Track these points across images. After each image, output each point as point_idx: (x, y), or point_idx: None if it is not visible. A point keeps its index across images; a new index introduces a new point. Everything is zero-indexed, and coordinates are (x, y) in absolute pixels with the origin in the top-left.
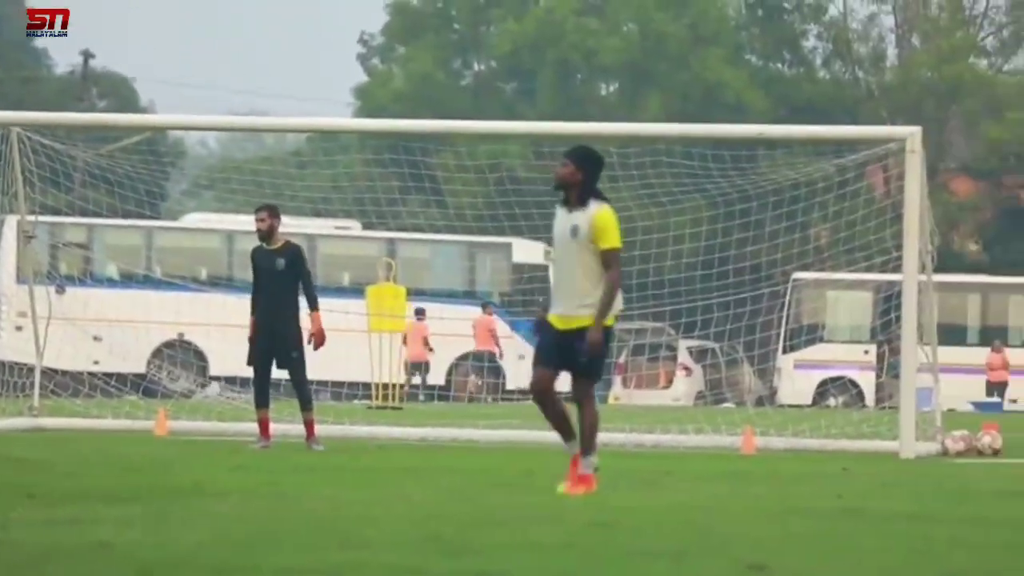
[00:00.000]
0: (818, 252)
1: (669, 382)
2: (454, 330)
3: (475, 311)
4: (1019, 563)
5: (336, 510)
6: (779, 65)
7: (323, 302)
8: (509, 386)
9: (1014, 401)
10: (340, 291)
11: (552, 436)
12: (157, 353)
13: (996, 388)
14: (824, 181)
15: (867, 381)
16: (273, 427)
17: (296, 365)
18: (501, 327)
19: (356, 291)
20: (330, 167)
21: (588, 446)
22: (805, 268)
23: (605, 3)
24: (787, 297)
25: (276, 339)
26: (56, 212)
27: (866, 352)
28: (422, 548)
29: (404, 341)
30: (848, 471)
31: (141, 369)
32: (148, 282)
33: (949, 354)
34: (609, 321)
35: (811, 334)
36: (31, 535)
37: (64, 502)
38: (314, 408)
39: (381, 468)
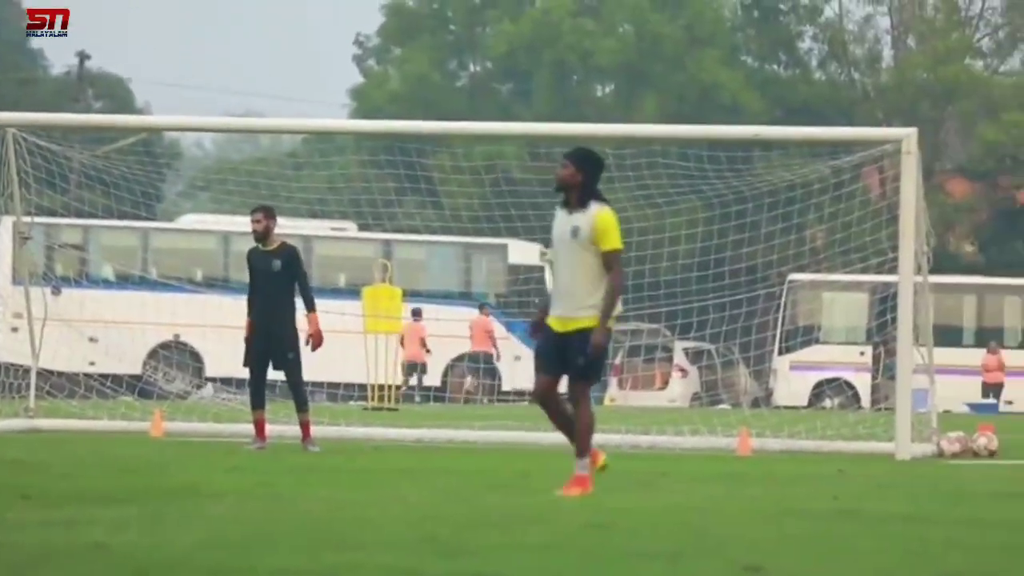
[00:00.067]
0: (814, 253)
1: (665, 383)
2: (450, 331)
3: (471, 312)
4: (1015, 564)
5: (332, 511)
6: (775, 66)
7: (319, 303)
8: (505, 387)
9: (1010, 402)
10: (336, 292)
11: (548, 437)
12: (153, 354)
13: (992, 389)
14: (820, 182)
15: (863, 382)
16: (269, 428)
17: (292, 366)
18: (497, 328)
19: (352, 292)
20: (326, 168)
21: (582, 448)
22: (801, 269)
23: (601, 4)
24: (783, 298)
25: (272, 340)
26: (52, 213)
27: (862, 353)
28: (418, 549)
29: (401, 342)
30: (844, 473)
31: (137, 370)
32: (144, 283)
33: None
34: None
35: (807, 335)
36: (27, 536)
37: (60, 503)
38: (310, 409)
39: (377, 469)
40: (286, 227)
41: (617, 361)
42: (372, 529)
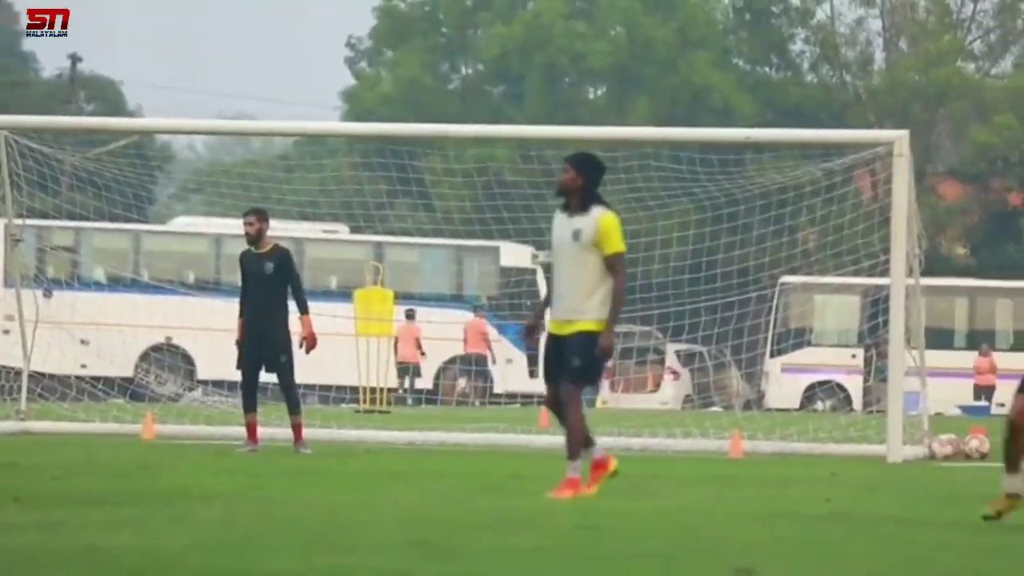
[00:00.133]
0: (806, 256)
1: (657, 386)
2: (442, 334)
3: (463, 315)
4: (1006, 567)
5: (323, 514)
6: (767, 69)
7: (310, 306)
8: (497, 390)
9: (1001, 405)
10: (328, 295)
11: (539, 440)
12: (144, 357)
13: (983, 392)
14: (812, 185)
15: (855, 385)
16: (261, 431)
17: (284, 369)
18: (490, 331)
19: (344, 295)
20: (318, 171)
21: (572, 451)
22: (793, 272)
23: (593, 7)
24: (775, 301)
25: (264, 343)
26: (44, 216)
27: (854, 356)
28: (409, 552)
29: (395, 344)
30: (836, 475)
31: (128, 373)
32: (136, 286)
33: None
34: (601, 327)
35: (799, 338)
36: (18, 539)
37: (51, 506)
38: (302, 412)
39: (368, 472)
40: (278, 230)
41: (609, 364)
42: (364, 532)
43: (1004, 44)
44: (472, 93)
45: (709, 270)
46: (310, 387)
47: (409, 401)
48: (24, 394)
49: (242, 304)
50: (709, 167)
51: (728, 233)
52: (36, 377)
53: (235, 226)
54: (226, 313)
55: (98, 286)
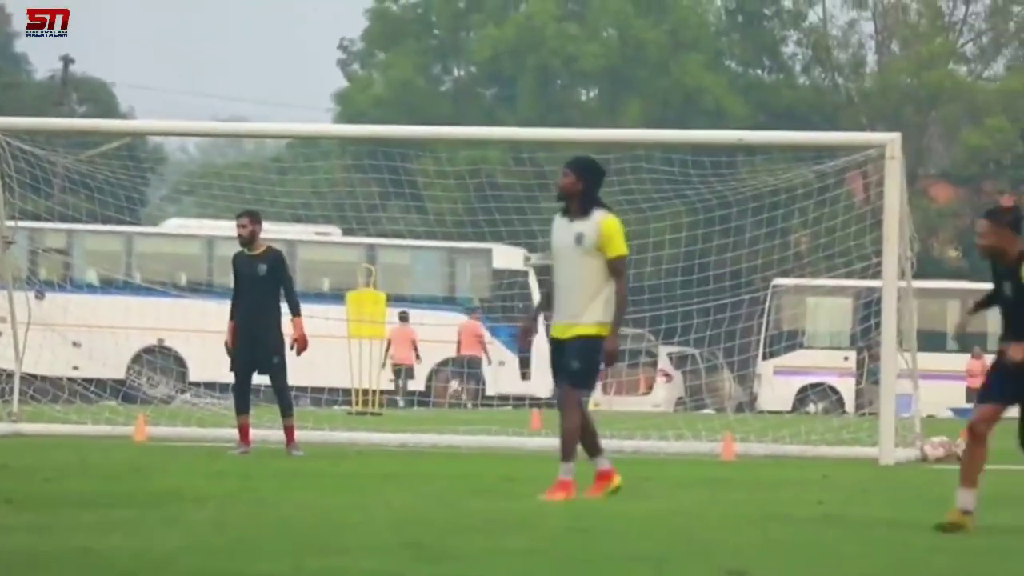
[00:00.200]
0: (798, 258)
1: (649, 388)
2: (434, 336)
3: (455, 317)
4: (998, 569)
5: (315, 516)
6: (759, 71)
7: (303, 308)
8: (489, 392)
9: None
10: (320, 297)
11: (531, 442)
12: (137, 359)
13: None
14: (804, 187)
15: (847, 387)
16: (253, 433)
17: (277, 371)
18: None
19: (336, 297)
20: (310, 173)
21: (565, 453)
22: (785, 274)
23: (585, 9)
24: (767, 303)
25: (257, 345)
26: (36, 217)
27: (846, 358)
28: (401, 554)
29: (388, 346)
30: (828, 477)
31: (121, 375)
32: (128, 288)
33: (929, 360)
34: (601, 330)
35: (791, 340)
36: (10, 541)
37: (43, 508)
38: (294, 414)
39: (361, 474)
40: (270, 232)
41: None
42: (356, 534)
43: (996, 47)
44: (464, 95)
45: (701, 272)
46: (302, 389)
47: (401, 403)
48: (16, 396)
49: (233, 306)
50: (701, 169)
51: (720, 235)
52: (28, 379)
53: (227, 228)
54: (218, 315)
55: (90, 288)
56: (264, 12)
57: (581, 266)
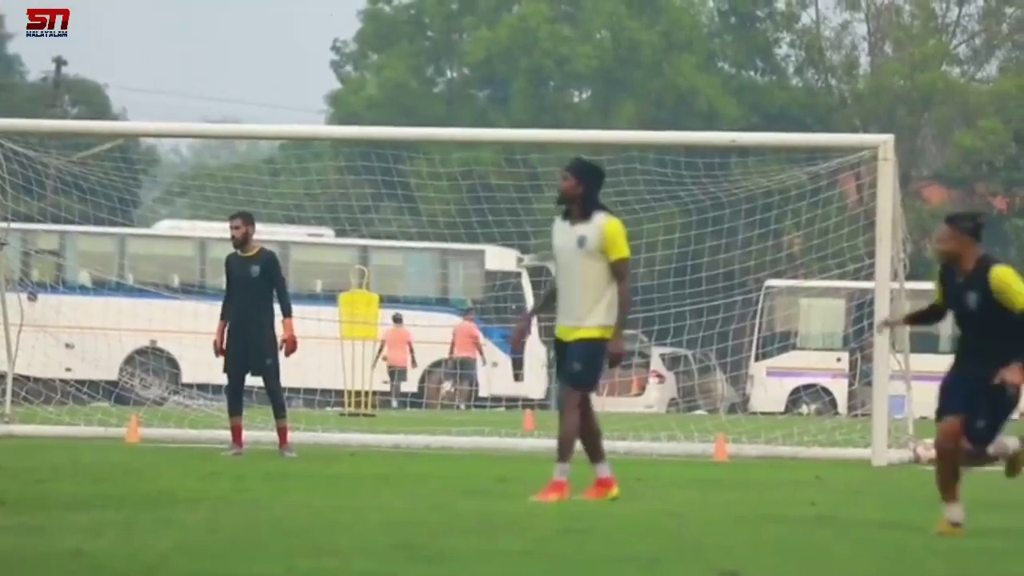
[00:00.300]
0: (791, 259)
1: (642, 389)
2: (427, 337)
3: (448, 318)
4: (992, 570)
5: (308, 517)
6: (752, 73)
7: (295, 309)
8: (482, 393)
9: None
10: (313, 298)
11: (524, 443)
12: (129, 360)
13: None
14: (797, 189)
15: (840, 389)
16: (245, 434)
17: (270, 372)
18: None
19: (329, 298)
20: (303, 174)
21: (562, 454)
22: (778, 275)
23: (578, 10)
24: (760, 304)
25: (250, 346)
26: (28, 219)
27: (839, 360)
28: (394, 555)
29: (382, 348)
30: (820, 479)
31: (113, 376)
32: (120, 289)
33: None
34: (603, 333)
35: (784, 341)
36: (2, 542)
37: (36, 509)
38: (287, 415)
39: (353, 475)
40: (263, 233)
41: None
42: (348, 535)
43: (989, 48)
44: (457, 96)
45: (694, 273)
46: (295, 391)
47: (394, 404)
48: (8, 397)
49: (224, 308)
50: (694, 170)
51: (713, 236)
52: (21, 380)
53: (220, 229)
54: (211, 317)
55: (83, 289)
56: (257, 14)
57: (583, 269)
